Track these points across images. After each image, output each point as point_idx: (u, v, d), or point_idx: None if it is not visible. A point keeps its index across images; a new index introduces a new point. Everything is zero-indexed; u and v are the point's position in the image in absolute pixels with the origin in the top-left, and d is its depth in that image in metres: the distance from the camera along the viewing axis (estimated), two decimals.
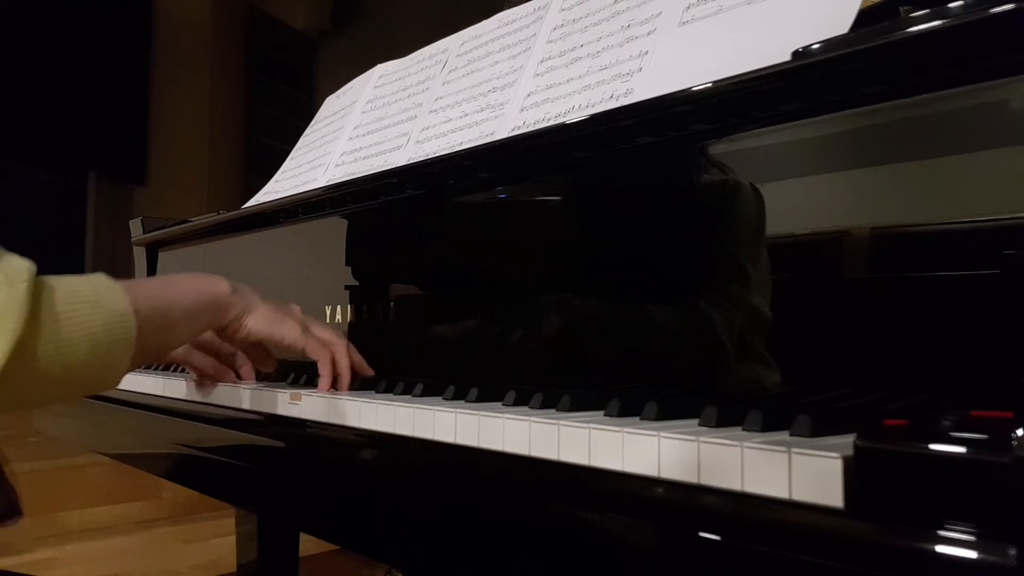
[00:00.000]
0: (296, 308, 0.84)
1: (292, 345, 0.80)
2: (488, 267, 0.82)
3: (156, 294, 0.69)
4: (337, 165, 1.13)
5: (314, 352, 0.80)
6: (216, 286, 0.77)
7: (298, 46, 4.46)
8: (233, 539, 1.48)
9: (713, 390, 0.59)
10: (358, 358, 0.84)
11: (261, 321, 0.79)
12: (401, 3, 3.68)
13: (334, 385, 0.82)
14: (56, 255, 3.78)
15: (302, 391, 0.81)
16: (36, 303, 0.55)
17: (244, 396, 0.89)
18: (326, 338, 0.82)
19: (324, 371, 0.81)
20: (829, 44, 0.53)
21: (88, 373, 0.60)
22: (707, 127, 0.61)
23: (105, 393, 1.07)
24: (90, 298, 0.60)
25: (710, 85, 0.59)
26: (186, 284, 0.75)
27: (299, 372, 0.96)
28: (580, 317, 0.71)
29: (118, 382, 0.64)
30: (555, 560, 0.51)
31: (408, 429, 0.67)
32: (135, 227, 1.48)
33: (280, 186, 1.27)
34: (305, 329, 0.81)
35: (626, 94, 0.73)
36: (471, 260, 0.85)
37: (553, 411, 0.60)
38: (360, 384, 0.84)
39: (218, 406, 0.92)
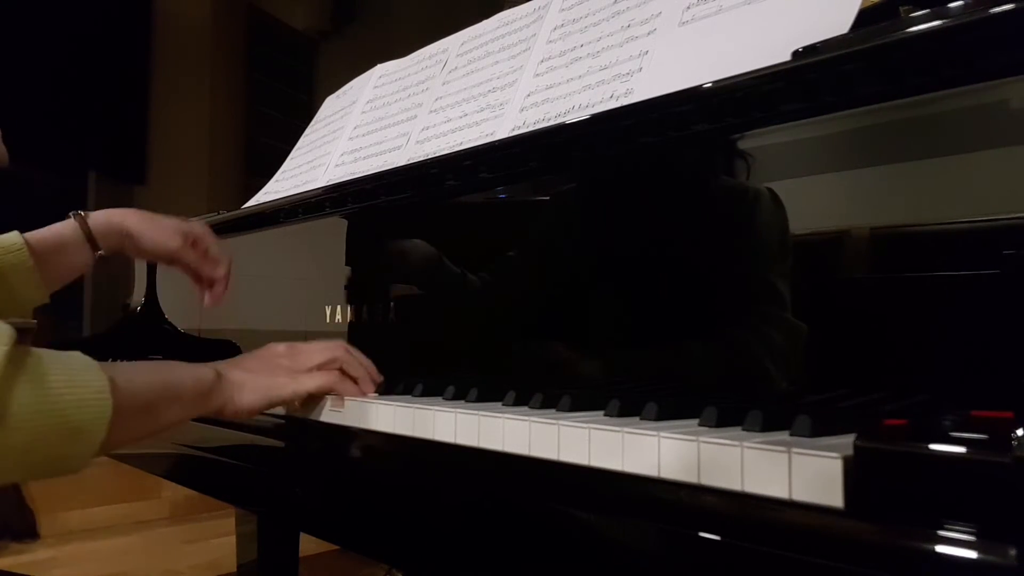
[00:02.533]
0: (279, 348, 0.81)
1: (292, 400, 0.78)
2: (488, 267, 0.82)
3: (135, 377, 0.66)
4: (337, 165, 1.13)
5: (320, 389, 0.78)
6: (199, 371, 0.74)
7: (298, 46, 4.46)
8: (233, 539, 1.48)
9: (713, 390, 0.59)
10: (366, 361, 0.82)
11: (252, 395, 0.75)
12: (401, 3, 3.68)
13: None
14: None
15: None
16: (13, 365, 0.54)
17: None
18: (323, 360, 0.79)
19: (344, 390, 0.78)
20: (829, 44, 0.53)
21: (56, 449, 0.57)
22: (707, 127, 0.61)
23: None
24: (67, 371, 0.58)
25: (710, 85, 0.59)
26: (169, 369, 0.73)
27: None
28: (579, 317, 0.71)
29: (84, 465, 0.60)
30: (555, 560, 0.51)
31: (408, 429, 0.67)
32: None
33: (280, 186, 1.27)
34: (295, 374, 0.78)
35: (626, 94, 0.73)
36: (471, 260, 0.84)
37: (553, 411, 0.60)
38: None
39: None
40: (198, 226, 1.02)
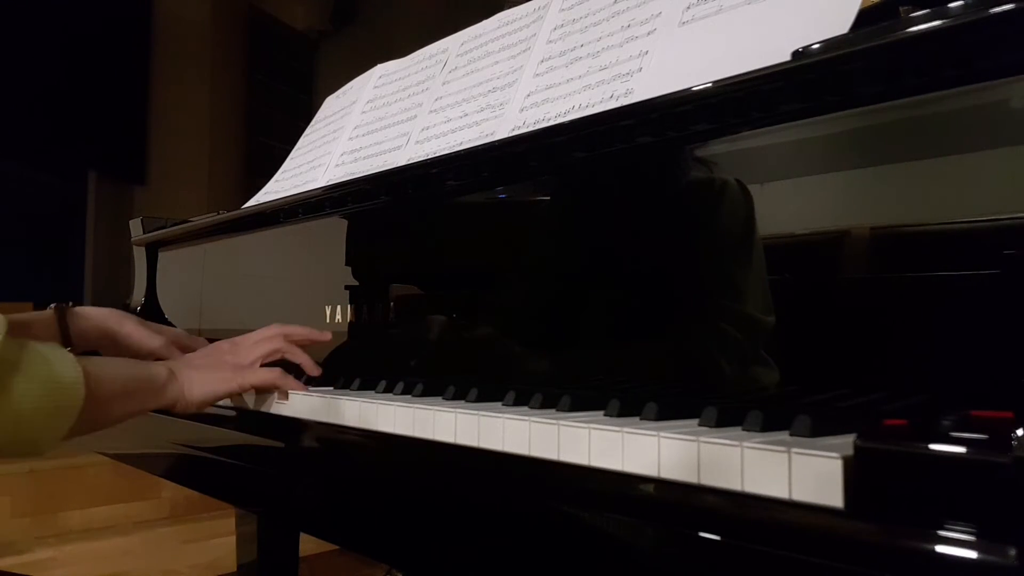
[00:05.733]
0: (223, 345, 0.87)
1: (236, 392, 0.83)
2: (487, 267, 0.82)
3: (104, 371, 0.71)
4: (337, 165, 1.13)
5: (264, 383, 0.84)
6: (151, 368, 0.79)
7: (298, 46, 4.46)
8: (233, 539, 1.48)
9: (713, 390, 0.59)
10: (303, 331, 0.89)
11: (200, 390, 0.80)
12: (401, 3, 3.68)
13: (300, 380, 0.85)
14: (56, 255, 3.78)
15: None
16: (14, 354, 0.60)
17: None
18: (265, 352, 0.85)
19: (285, 384, 0.83)
20: (829, 44, 0.53)
21: (34, 431, 0.62)
22: (707, 127, 0.61)
23: None
24: (49, 360, 0.64)
25: (710, 85, 0.59)
26: (125, 365, 0.78)
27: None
28: (579, 317, 0.71)
29: (51, 448, 0.65)
30: (555, 560, 0.51)
31: (408, 429, 0.67)
32: (135, 227, 1.48)
33: (280, 186, 1.27)
34: (239, 369, 0.84)
35: (626, 94, 0.73)
36: (471, 260, 0.84)
37: (553, 411, 0.60)
38: (360, 383, 0.84)
39: (221, 407, 0.92)
40: (182, 335, 1.04)
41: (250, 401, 0.87)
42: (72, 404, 0.65)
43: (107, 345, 0.97)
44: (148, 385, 0.77)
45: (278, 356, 0.86)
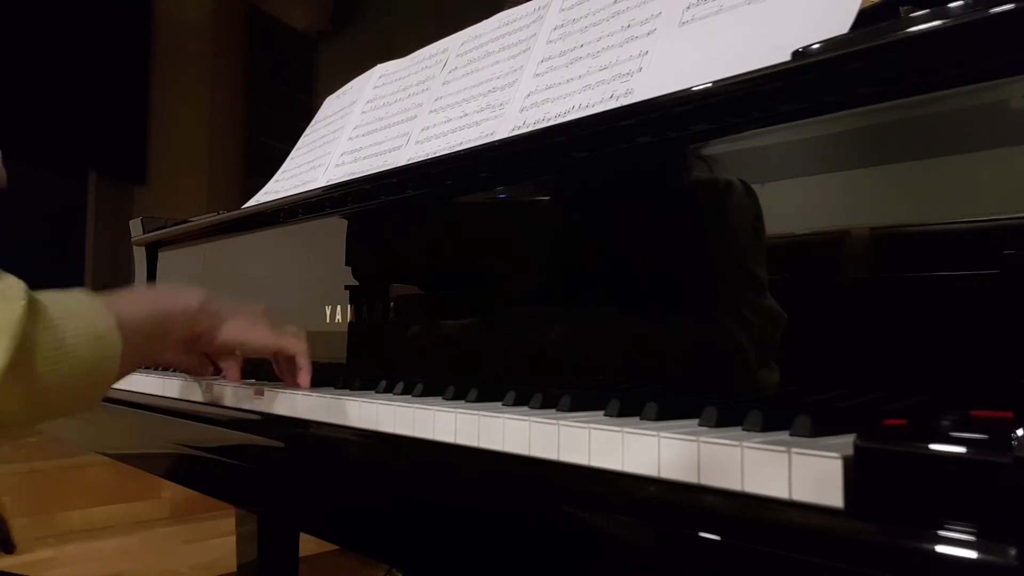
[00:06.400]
0: (258, 307, 0.87)
1: (265, 347, 0.84)
2: (488, 267, 0.82)
3: (133, 309, 0.70)
4: (337, 165, 1.13)
5: (291, 349, 0.84)
6: (186, 298, 0.79)
7: (298, 46, 4.46)
8: (233, 539, 1.48)
9: (713, 390, 0.59)
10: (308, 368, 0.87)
11: (233, 331, 0.81)
12: (401, 3, 3.68)
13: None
14: (56, 255, 3.78)
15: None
16: (32, 320, 0.57)
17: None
18: (292, 332, 0.86)
19: (303, 363, 0.84)
20: (829, 44, 0.53)
21: (79, 389, 0.61)
22: (707, 127, 0.61)
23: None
24: (77, 315, 0.62)
25: (710, 85, 0.59)
26: (158, 297, 0.78)
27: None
28: (579, 317, 0.71)
29: (99, 401, 0.66)
30: (555, 560, 0.51)
31: (408, 429, 0.67)
32: (135, 227, 1.48)
33: (280, 186, 1.27)
34: (275, 329, 0.84)
35: (626, 94, 0.73)
36: (471, 260, 0.84)
37: (553, 411, 0.60)
38: (360, 383, 0.84)
39: (214, 405, 0.93)
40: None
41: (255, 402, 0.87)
42: (111, 355, 0.63)
43: None
44: (181, 318, 0.77)
45: (300, 347, 0.86)
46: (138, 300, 0.76)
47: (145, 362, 0.75)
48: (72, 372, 0.60)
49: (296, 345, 0.84)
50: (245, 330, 0.83)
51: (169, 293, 0.81)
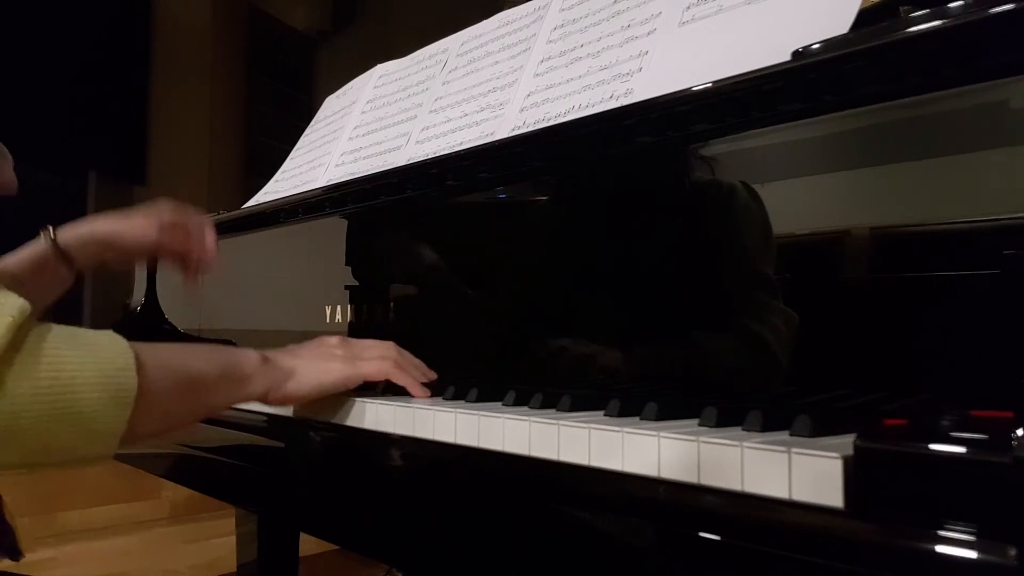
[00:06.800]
0: (331, 340, 0.79)
1: (347, 384, 0.76)
2: (487, 267, 0.82)
3: (167, 355, 0.62)
4: (337, 165, 1.13)
5: (374, 375, 0.76)
6: (240, 357, 0.70)
7: (298, 46, 4.46)
8: (233, 539, 1.48)
9: (713, 390, 0.59)
10: (417, 362, 0.80)
11: (305, 382, 0.73)
12: (401, 3, 3.68)
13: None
14: None
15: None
16: (18, 339, 0.50)
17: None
18: (378, 353, 0.77)
19: (403, 380, 0.76)
20: (829, 44, 0.53)
21: (71, 429, 0.52)
22: (707, 127, 0.61)
23: None
24: (84, 345, 0.54)
25: (710, 85, 0.59)
26: (205, 353, 0.69)
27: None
28: (579, 317, 0.71)
29: (111, 450, 0.55)
30: (555, 560, 0.51)
31: (408, 429, 0.67)
32: None
33: (280, 186, 1.27)
34: (352, 360, 0.76)
35: (626, 94, 0.73)
36: (471, 260, 0.84)
37: (553, 411, 0.60)
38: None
39: None
40: (167, 209, 0.98)
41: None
42: (121, 396, 0.54)
43: (108, 253, 0.95)
44: (232, 372, 0.68)
45: (384, 369, 0.77)
46: (177, 350, 0.68)
47: (180, 420, 0.64)
48: (63, 408, 0.51)
49: (379, 370, 0.76)
50: (320, 373, 0.74)
51: (224, 348, 0.72)
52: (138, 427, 0.56)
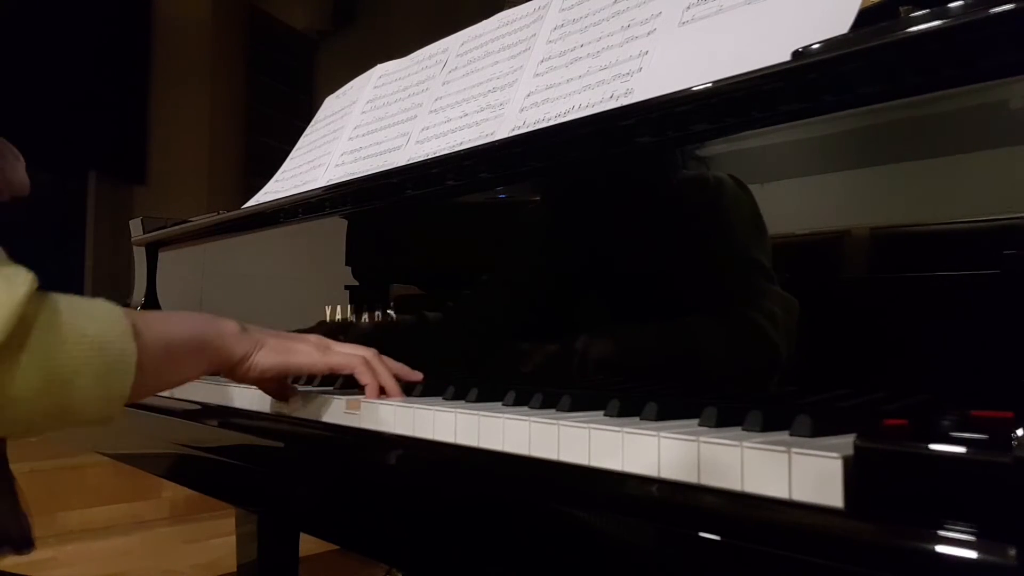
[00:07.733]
0: (311, 336, 0.81)
1: (312, 368, 0.78)
2: (487, 267, 0.82)
3: (156, 324, 0.66)
4: (337, 165, 1.13)
5: (342, 367, 0.77)
6: (221, 324, 0.74)
7: (298, 46, 4.46)
8: (233, 539, 1.48)
9: (713, 390, 0.59)
10: (396, 364, 0.80)
11: (271, 355, 0.75)
12: (401, 3, 3.68)
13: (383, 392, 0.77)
14: (56, 255, 3.78)
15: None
16: (33, 309, 0.53)
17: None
18: (349, 351, 0.79)
19: (365, 379, 0.76)
20: (829, 44, 0.53)
21: (81, 393, 0.56)
22: (707, 127, 0.61)
23: None
24: (89, 315, 0.57)
25: (710, 85, 0.59)
26: (189, 320, 0.73)
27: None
28: (579, 317, 0.71)
29: (115, 413, 0.59)
30: (555, 560, 0.51)
31: (408, 429, 0.67)
32: (135, 227, 1.48)
33: (280, 186, 1.27)
34: (324, 349, 0.78)
35: (626, 94, 0.73)
36: (471, 260, 0.84)
37: (553, 411, 0.60)
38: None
39: (222, 407, 0.93)
40: None
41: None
42: (124, 362, 0.58)
43: None
44: (212, 340, 0.72)
45: (352, 363, 0.77)
46: (162, 318, 0.72)
47: (164, 384, 0.68)
48: (76, 374, 0.55)
49: (347, 363, 0.77)
50: (286, 352, 0.76)
51: (203, 316, 0.75)
52: (138, 389, 0.60)
